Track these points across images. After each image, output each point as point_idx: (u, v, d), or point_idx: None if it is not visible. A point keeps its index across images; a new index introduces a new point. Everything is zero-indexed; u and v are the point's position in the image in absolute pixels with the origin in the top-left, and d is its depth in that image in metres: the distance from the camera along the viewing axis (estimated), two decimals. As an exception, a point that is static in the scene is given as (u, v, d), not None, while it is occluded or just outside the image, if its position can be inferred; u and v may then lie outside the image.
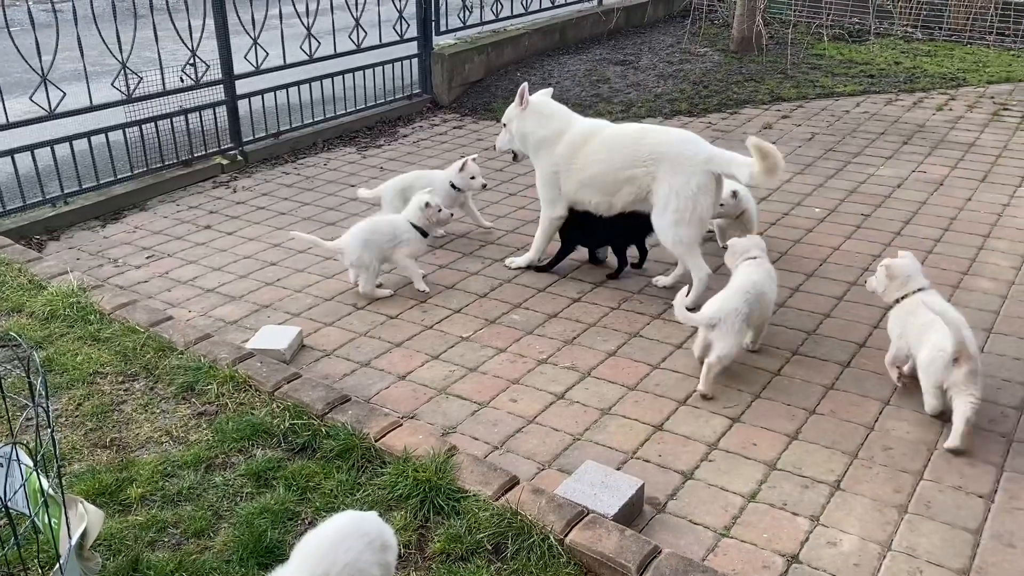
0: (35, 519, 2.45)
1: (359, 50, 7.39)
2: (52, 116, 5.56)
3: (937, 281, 4.65)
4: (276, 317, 4.47)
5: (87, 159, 5.85)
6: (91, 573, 2.55)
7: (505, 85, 8.51)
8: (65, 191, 5.75)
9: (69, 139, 5.69)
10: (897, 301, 3.75)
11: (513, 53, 9.12)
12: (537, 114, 4.75)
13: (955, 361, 3.34)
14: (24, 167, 5.54)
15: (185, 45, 6.17)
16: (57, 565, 2.34)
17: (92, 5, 5.83)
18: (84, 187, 5.85)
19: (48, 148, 5.61)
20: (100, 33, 5.64)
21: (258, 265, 5.07)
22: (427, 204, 4.65)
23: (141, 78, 5.97)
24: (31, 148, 5.52)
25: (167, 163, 6.30)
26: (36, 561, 2.60)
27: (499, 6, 8.76)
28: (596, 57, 9.45)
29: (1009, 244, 5.11)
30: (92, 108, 5.79)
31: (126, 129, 6.02)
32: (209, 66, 6.34)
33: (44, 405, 2.25)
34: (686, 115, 7.78)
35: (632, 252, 4.90)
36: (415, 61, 8.12)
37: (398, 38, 7.79)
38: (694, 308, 4.00)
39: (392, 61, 7.82)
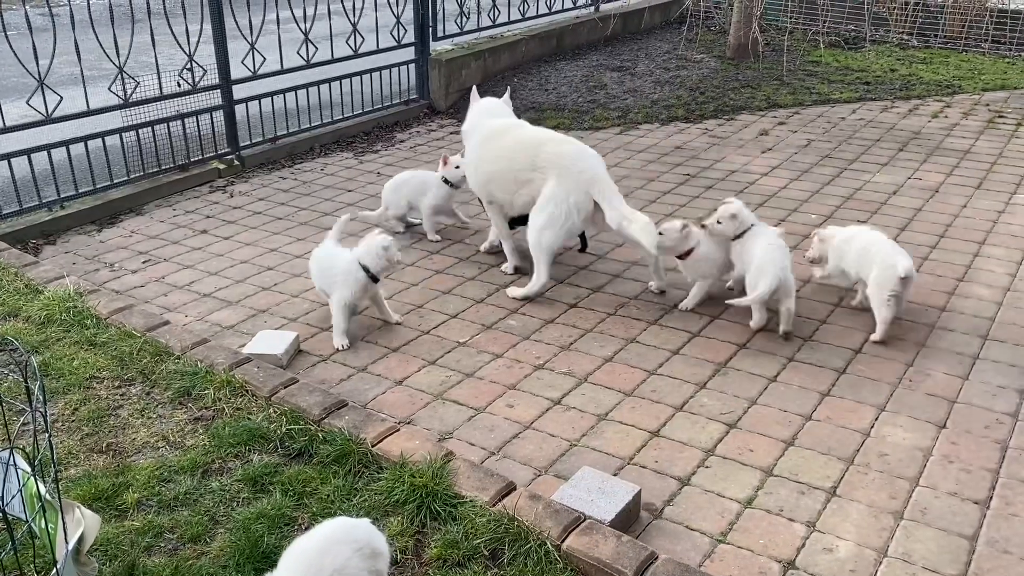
0: (32, 524, 2.44)
1: (356, 55, 7.41)
2: (49, 120, 5.55)
3: (933, 288, 4.69)
4: (273, 322, 4.47)
5: (84, 163, 5.84)
6: (87, 578, 2.54)
7: (502, 91, 8.47)
8: (62, 195, 5.74)
9: (66, 143, 5.69)
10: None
11: (510, 59, 9.15)
12: (476, 109, 5.13)
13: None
14: (21, 171, 5.54)
15: (182, 49, 6.17)
16: (54, 570, 2.33)
17: (90, 9, 5.84)
18: (81, 191, 5.84)
19: (45, 152, 5.60)
20: (97, 37, 5.64)
21: (255, 270, 5.07)
22: (386, 247, 4.22)
23: (138, 82, 5.97)
24: (28, 152, 5.51)
25: (164, 168, 6.29)
26: (33, 566, 2.59)
27: (496, 12, 8.78)
28: (593, 63, 9.48)
29: (1005, 251, 5.13)
30: (89, 112, 5.79)
31: (123, 133, 6.01)
32: (206, 71, 6.34)
33: (42, 410, 2.24)
34: (683, 121, 7.80)
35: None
36: (412, 67, 8.13)
37: (395, 43, 7.81)
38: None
39: (389, 67, 7.83)
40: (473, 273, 5.01)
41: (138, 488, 3.10)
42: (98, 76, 6.30)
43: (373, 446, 3.27)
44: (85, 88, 5.69)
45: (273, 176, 6.67)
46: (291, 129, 7.15)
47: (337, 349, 4.19)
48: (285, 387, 3.66)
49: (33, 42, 5.29)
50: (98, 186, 5.92)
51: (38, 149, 5.56)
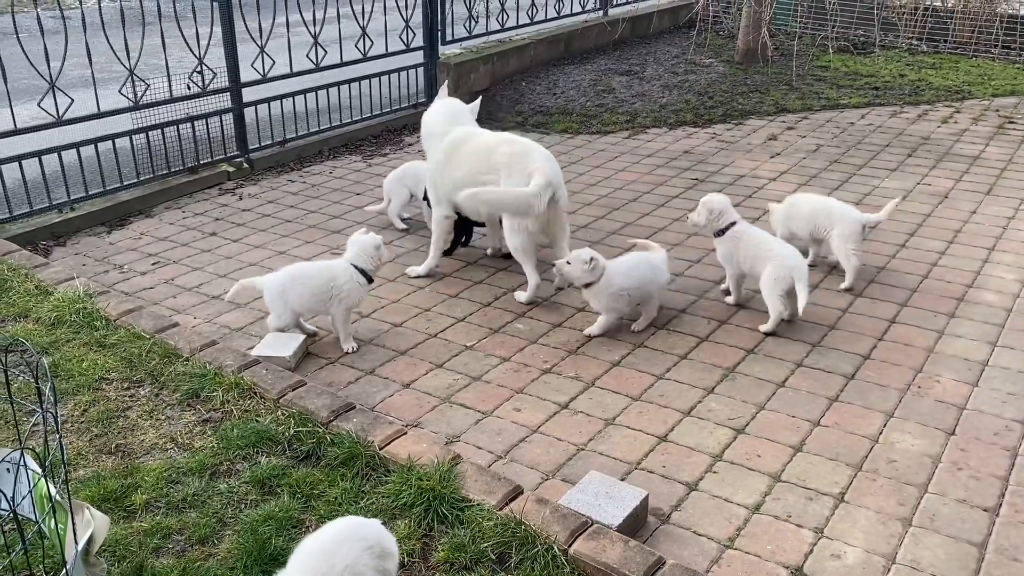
0: (42, 525, 2.46)
1: (365, 59, 7.43)
2: (60, 122, 5.59)
3: (942, 294, 4.67)
4: (281, 324, 4.48)
5: (94, 165, 5.87)
6: (96, 579, 2.55)
7: (511, 95, 8.54)
8: (72, 197, 5.77)
9: (76, 145, 5.72)
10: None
11: (518, 63, 9.16)
12: (437, 111, 5.05)
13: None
14: (31, 173, 5.57)
15: (192, 53, 6.20)
16: (63, 571, 2.34)
17: (101, 12, 5.87)
18: (91, 193, 5.87)
19: (55, 154, 5.63)
20: (108, 40, 5.67)
21: (263, 272, 5.07)
22: (378, 246, 4.27)
23: (148, 85, 6.00)
24: (38, 154, 5.54)
25: (173, 170, 6.32)
26: (42, 566, 2.60)
27: (505, 16, 8.79)
28: (601, 67, 9.48)
29: (1014, 257, 5.11)
30: (99, 115, 5.82)
31: (133, 136, 6.04)
32: (216, 74, 6.37)
33: (52, 411, 2.25)
34: (691, 125, 7.80)
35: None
36: (421, 70, 8.14)
37: (404, 47, 7.82)
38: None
39: (398, 70, 7.85)
40: (480, 277, 5.01)
41: (147, 489, 3.10)
42: (109, 79, 6.33)
43: (381, 449, 3.28)
44: (96, 90, 5.72)
45: (282, 179, 6.69)
46: (300, 132, 7.17)
47: (346, 352, 4.19)
48: (293, 389, 3.66)
49: (45, 44, 5.32)
50: (108, 188, 5.95)
51: (49, 151, 5.59)
